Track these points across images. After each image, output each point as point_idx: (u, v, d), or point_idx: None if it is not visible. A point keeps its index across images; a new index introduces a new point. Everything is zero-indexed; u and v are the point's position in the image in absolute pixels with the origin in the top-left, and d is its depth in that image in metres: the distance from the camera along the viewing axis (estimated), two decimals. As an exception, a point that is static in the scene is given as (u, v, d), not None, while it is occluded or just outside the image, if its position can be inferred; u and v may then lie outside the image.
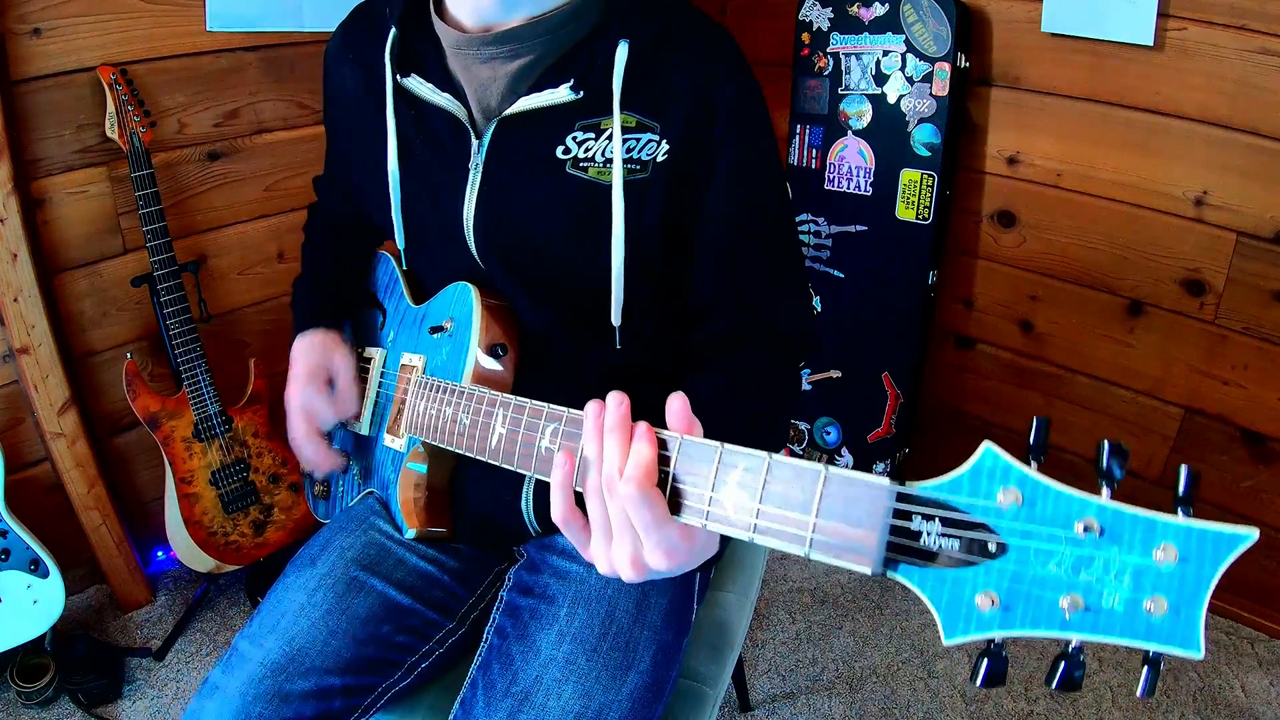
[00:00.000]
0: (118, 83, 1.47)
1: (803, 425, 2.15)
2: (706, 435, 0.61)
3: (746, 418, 0.83)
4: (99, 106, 1.50)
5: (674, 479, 0.58)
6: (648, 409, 0.69)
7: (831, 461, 2.13)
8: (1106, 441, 0.45)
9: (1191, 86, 1.54)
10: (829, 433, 2.12)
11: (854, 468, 2.08)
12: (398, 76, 0.85)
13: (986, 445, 0.46)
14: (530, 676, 0.81)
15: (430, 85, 0.83)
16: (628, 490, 0.56)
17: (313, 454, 0.98)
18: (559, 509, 0.62)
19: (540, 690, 0.80)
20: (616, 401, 0.59)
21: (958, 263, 1.95)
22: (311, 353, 0.98)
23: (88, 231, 1.59)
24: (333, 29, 0.97)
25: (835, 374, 2.07)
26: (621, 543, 0.60)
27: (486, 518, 0.94)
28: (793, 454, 2.24)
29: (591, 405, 0.61)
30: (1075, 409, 1.90)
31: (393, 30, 0.85)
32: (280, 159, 1.79)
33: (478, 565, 0.99)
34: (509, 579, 0.95)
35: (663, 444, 0.58)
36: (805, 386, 2.11)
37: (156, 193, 1.51)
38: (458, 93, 0.83)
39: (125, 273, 1.64)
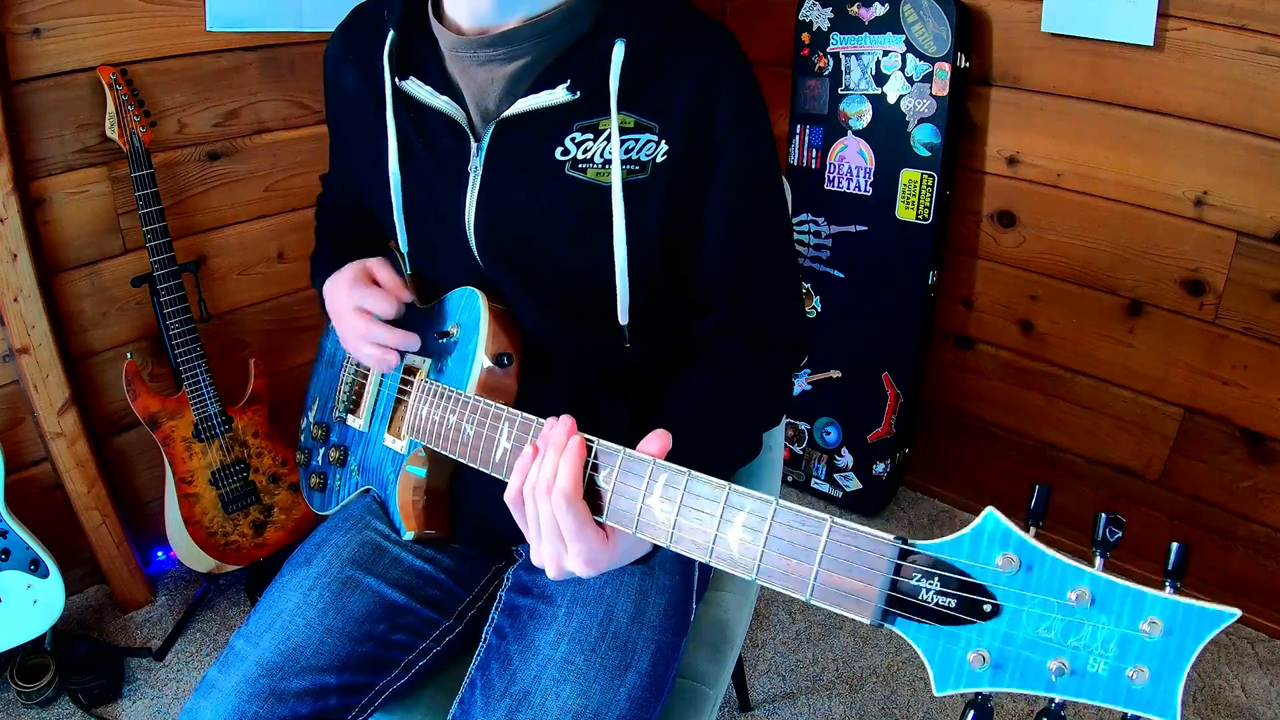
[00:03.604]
0: (118, 83, 1.47)
1: (803, 425, 2.15)
2: (689, 433, 0.63)
3: (731, 420, 0.84)
4: (99, 106, 1.50)
5: (676, 515, 0.61)
6: (652, 408, 0.70)
7: (831, 461, 2.14)
8: (1104, 514, 0.47)
9: (1191, 86, 1.54)
10: (829, 433, 2.12)
11: (854, 468, 2.09)
12: (396, 79, 0.85)
13: (989, 510, 0.48)
14: (529, 676, 0.82)
15: (429, 88, 0.83)
16: (557, 499, 0.64)
17: (379, 341, 0.90)
18: (509, 493, 0.70)
19: (539, 690, 0.80)
20: (563, 424, 0.67)
21: (958, 263, 1.95)
22: (345, 273, 0.94)
23: (88, 231, 1.59)
24: (333, 29, 0.97)
25: (835, 374, 2.07)
26: (546, 544, 0.67)
27: (485, 519, 0.94)
28: (792, 454, 2.24)
29: (553, 422, 0.69)
30: (1075, 409, 1.90)
31: (391, 33, 0.85)
32: (280, 159, 1.79)
33: (475, 564, 0.99)
34: (507, 579, 0.95)
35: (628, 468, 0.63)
36: (805, 386, 2.11)
37: (156, 193, 1.51)
38: (456, 95, 0.83)
39: (125, 273, 1.64)
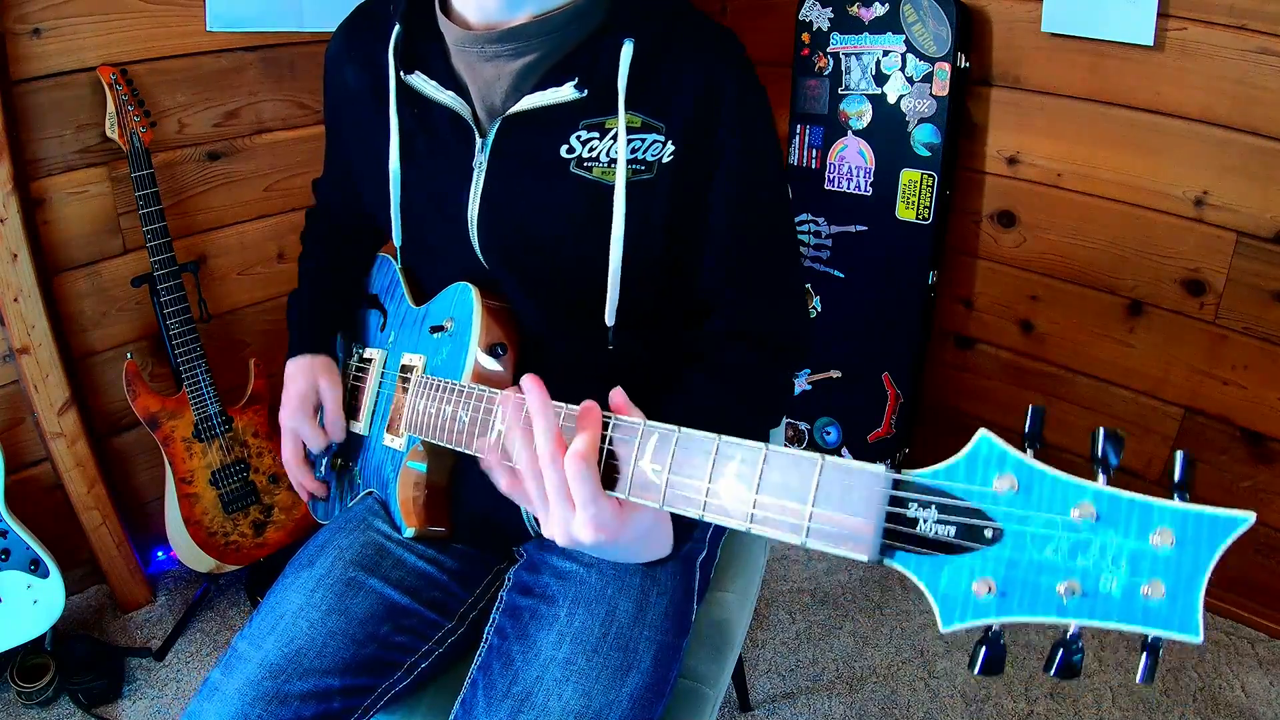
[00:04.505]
0: (118, 83, 1.47)
1: (802, 425, 2.15)
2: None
3: (735, 420, 0.83)
4: (99, 106, 1.50)
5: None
6: (645, 407, 0.70)
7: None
8: (1102, 429, 0.45)
9: (1191, 86, 1.54)
10: (829, 433, 2.12)
11: (854, 468, 2.09)
12: (401, 73, 0.85)
13: (982, 433, 0.47)
14: (531, 677, 0.81)
15: (434, 83, 0.83)
16: (573, 465, 0.61)
17: (300, 477, 1.04)
18: (502, 482, 0.69)
19: (541, 691, 0.80)
20: (531, 383, 0.64)
21: (958, 263, 1.95)
22: (301, 378, 1.00)
23: (88, 231, 1.59)
24: (333, 29, 0.97)
25: (835, 374, 2.07)
26: (555, 512, 0.65)
27: (486, 517, 0.94)
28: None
29: (502, 394, 0.68)
30: (1075, 409, 1.90)
31: (397, 27, 0.85)
32: (280, 159, 1.79)
33: (477, 565, 0.99)
34: (509, 579, 0.95)
35: (619, 428, 0.63)
36: (805, 386, 2.11)
37: (156, 193, 1.51)
38: (462, 91, 0.83)
39: (125, 273, 1.64)
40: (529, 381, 0.64)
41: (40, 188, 1.52)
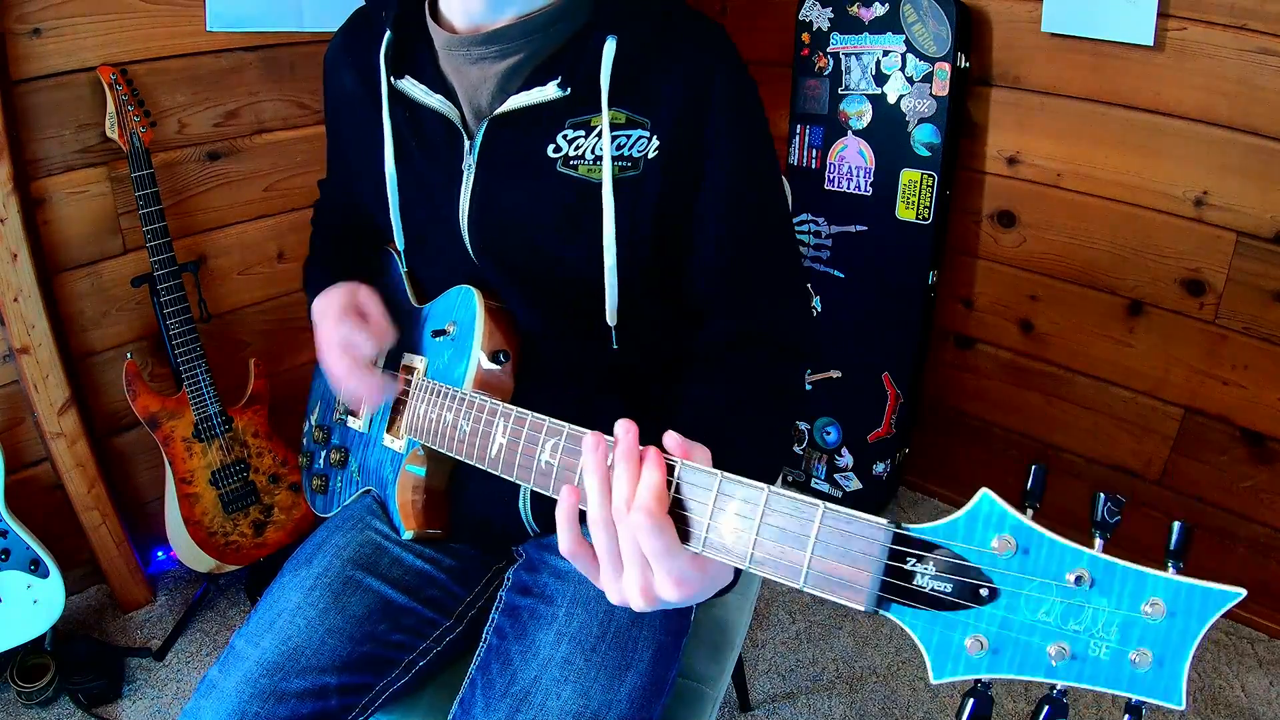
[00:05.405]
0: (118, 83, 1.47)
1: (803, 425, 2.15)
2: (713, 444, 0.62)
3: (753, 425, 0.81)
4: (99, 106, 1.50)
5: (678, 506, 0.59)
6: (646, 409, 0.70)
7: (831, 461, 2.14)
8: (1102, 494, 0.46)
9: (1191, 86, 1.54)
10: (829, 433, 2.12)
11: (853, 468, 2.09)
12: (392, 78, 0.85)
13: (984, 492, 0.47)
14: (529, 677, 0.82)
15: (423, 87, 0.83)
16: (638, 519, 0.56)
17: (362, 387, 0.89)
18: (565, 543, 0.61)
19: (539, 690, 0.80)
20: (625, 430, 0.60)
21: (958, 263, 1.95)
22: (334, 300, 0.93)
23: (88, 231, 1.59)
24: (333, 29, 0.98)
25: (835, 374, 2.07)
26: (631, 573, 0.59)
27: (485, 518, 0.94)
28: (792, 454, 2.23)
29: (590, 437, 0.61)
30: (1075, 409, 1.90)
31: (387, 32, 0.85)
32: (280, 159, 1.79)
33: (475, 564, 0.99)
34: (508, 579, 0.95)
35: (669, 469, 0.59)
36: (805, 386, 2.11)
37: (156, 193, 1.51)
38: (450, 94, 0.84)
39: (125, 273, 1.64)
40: (623, 426, 0.60)
41: (40, 188, 1.52)
